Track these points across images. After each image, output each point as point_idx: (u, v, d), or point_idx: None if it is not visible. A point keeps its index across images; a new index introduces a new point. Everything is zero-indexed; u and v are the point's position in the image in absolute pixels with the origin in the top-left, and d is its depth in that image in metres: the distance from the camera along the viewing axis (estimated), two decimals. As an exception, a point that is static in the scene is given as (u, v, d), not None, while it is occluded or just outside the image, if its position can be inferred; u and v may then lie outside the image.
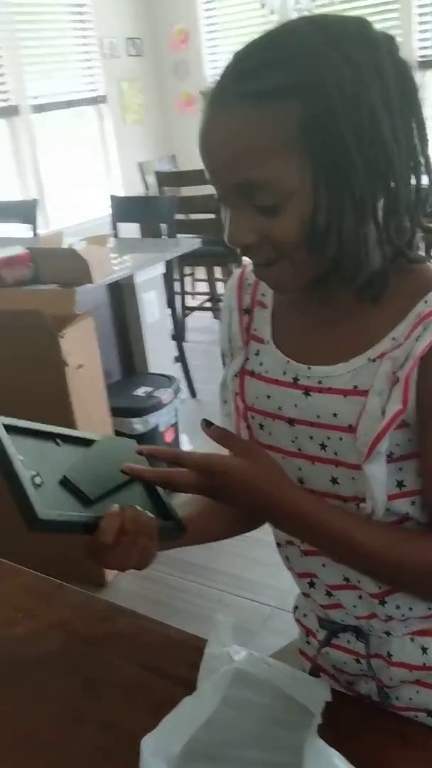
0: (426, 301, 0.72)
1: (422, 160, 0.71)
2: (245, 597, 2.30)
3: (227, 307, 0.91)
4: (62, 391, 2.27)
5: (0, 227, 4.32)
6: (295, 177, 0.68)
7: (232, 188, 0.71)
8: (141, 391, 2.84)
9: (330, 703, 0.80)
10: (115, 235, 4.00)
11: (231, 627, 0.89)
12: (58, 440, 0.86)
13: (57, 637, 1.01)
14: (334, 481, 0.79)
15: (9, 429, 0.80)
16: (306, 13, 5.12)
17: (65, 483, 0.79)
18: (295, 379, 0.80)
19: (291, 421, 0.81)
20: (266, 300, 0.87)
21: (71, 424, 2.29)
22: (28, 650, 0.99)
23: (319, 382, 0.78)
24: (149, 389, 2.85)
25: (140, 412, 2.73)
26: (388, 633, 0.85)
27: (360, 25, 0.69)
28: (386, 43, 0.69)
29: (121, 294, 2.99)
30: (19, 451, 0.78)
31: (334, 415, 0.77)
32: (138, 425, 2.71)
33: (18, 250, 2.80)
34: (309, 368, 0.79)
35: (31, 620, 1.04)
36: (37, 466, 0.78)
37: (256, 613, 2.19)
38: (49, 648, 0.99)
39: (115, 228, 4.07)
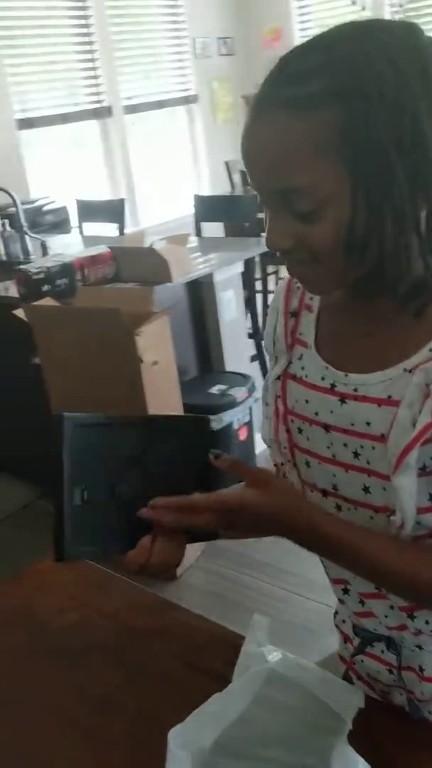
0: None
1: None
2: (310, 598, 2.30)
3: (274, 310, 0.92)
4: (137, 386, 2.33)
5: (91, 226, 4.45)
6: (333, 184, 0.68)
7: (271, 193, 0.72)
8: (216, 389, 2.87)
9: (363, 711, 0.81)
10: (198, 234, 4.05)
11: (267, 627, 0.90)
12: (122, 429, 0.83)
13: (106, 627, 1.05)
14: (366, 490, 0.79)
15: (75, 426, 0.81)
16: (398, 9, 5.02)
17: (114, 494, 0.80)
18: (333, 386, 0.81)
19: (327, 427, 0.81)
20: (313, 304, 0.87)
21: (145, 420, 2.34)
22: (79, 638, 1.04)
23: (355, 390, 0.78)
24: (224, 387, 2.88)
25: (214, 409, 2.76)
26: (419, 647, 0.84)
27: (408, 29, 0.68)
28: None
29: (201, 292, 3.02)
30: (77, 453, 0.79)
31: (368, 423, 0.76)
32: (212, 422, 2.75)
33: (101, 249, 2.89)
34: (346, 375, 0.79)
35: (84, 609, 1.09)
36: (89, 474, 0.79)
37: (321, 615, 2.18)
38: (97, 637, 1.03)
39: (198, 227, 4.11)
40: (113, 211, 4.41)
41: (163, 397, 2.42)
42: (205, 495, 0.76)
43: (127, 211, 4.56)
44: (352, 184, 0.68)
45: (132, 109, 5.38)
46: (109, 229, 4.37)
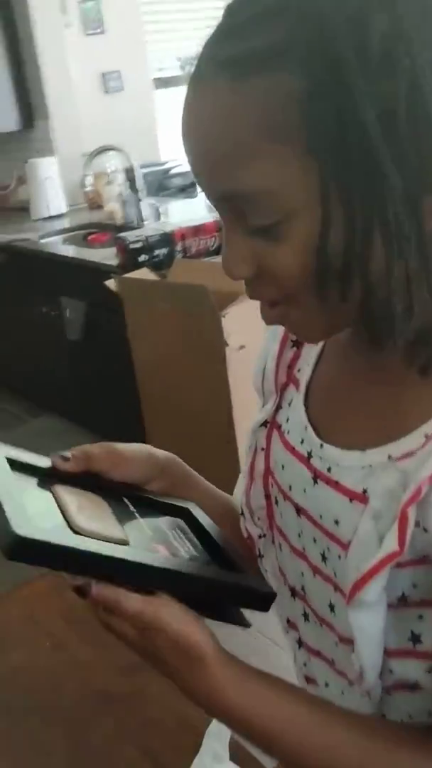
0: None
1: None
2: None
3: (271, 333, 0.68)
4: (221, 371, 2.16)
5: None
6: (297, 186, 0.45)
7: (217, 198, 0.50)
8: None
9: None
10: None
11: (227, 739, 0.72)
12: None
13: (72, 686, 0.89)
14: (331, 607, 0.56)
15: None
16: None
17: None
18: (309, 455, 0.57)
19: (298, 510, 0.59)
20: None
21: (227, 406, 2.17)
22: (36, 696, 0.89)
23: (329, 470, 0.55)
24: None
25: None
26: None
27: None
28: None
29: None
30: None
31: (336, 522, 0.54)
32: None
33: (205, 220, 2.71)
34: (321, 446, 0.56)
35: (55, 654, 0.94)
36: None
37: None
38: (58, 699, 0.88)
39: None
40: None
41: (248, 384, 2.22)
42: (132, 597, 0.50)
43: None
44: (322, 185, 0.44)
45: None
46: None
